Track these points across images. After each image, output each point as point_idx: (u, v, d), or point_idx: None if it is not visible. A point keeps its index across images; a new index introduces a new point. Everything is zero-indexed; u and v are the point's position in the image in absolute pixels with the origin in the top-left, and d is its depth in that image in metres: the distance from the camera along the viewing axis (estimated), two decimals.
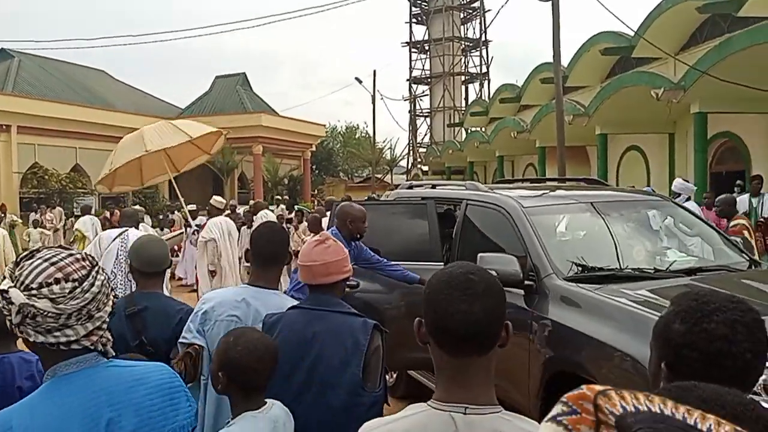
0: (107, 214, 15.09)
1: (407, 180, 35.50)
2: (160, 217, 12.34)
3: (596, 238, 4.32)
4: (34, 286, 1.31)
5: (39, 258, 1.35)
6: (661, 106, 12.75)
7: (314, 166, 37.69)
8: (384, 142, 39.33)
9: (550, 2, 12.72)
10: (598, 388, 0.77)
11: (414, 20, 42.37)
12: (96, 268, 1.39)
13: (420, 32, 42.72)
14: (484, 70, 41.86)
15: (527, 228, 3.87)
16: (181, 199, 10.32)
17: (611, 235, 4.09)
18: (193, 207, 13.94)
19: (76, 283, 1.34)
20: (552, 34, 12.90)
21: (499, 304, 1.27)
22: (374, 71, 31.88)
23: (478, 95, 40.27)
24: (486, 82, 41.70)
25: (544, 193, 4.95)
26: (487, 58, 41.69)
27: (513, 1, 44.09)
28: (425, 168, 35.19)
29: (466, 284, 1.26)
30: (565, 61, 16.91)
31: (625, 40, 16.27)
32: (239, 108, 30.05)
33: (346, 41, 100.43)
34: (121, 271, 5.34)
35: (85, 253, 1.42)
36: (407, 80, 42.83)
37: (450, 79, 40.21)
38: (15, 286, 1.32)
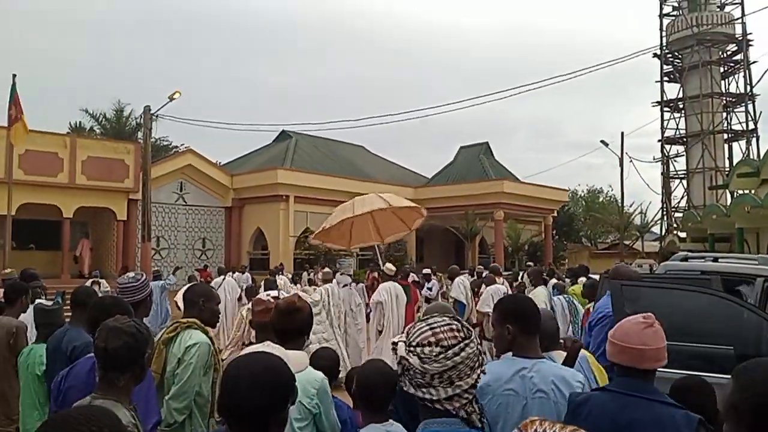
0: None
1: (661, 248, 32.81)
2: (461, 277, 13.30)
3: None
4: (413, 343, 1.56)
5: (425, 322, 1.61)
6: None
7: (554, 232, 36.83)
8: (631, 206, 36.96)
9: None
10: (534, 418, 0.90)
11: (666, 78, 39.93)
12: (467, 341, 1.56)
13: (672, 90, 40.10)
14: (751, 126, 37.51)
15: None
16: (381, 263, 11.13)
17: None
18: (427, 271, 14.80)
19: (443, 349, 1.53)
20: None
21: None
22: (622, 133, 30.88)
23: (745, 154, 36.07)
24: (754, 139, 37.26)
25: None
26: (755, 113, 37.36)
27: None
28: (682, 234, 32.18)
29: None
30: None
31: None
32: (482, 176, 31.00)
33: (589, 103, 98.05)
34: None
35: (463, 325, 1.61)
36: (659, 141, 40.11)
37: (710, 138, 36.74)
38: (405, 341, 1.60)
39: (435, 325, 1.58)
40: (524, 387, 2.44)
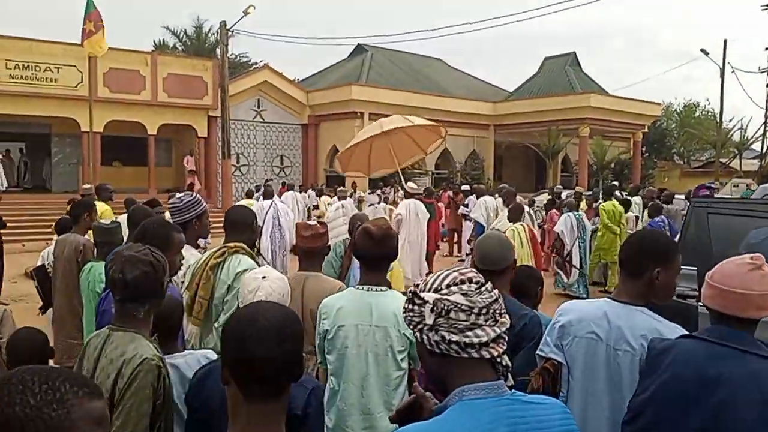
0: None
1: (761, 167, 30.46)
2: (485, 197, 13.34)
3: None
4: (442, 287, 1.37)
5: (440, 271, 1.44)
6: None
7: (644, 149, 34.79)
8: (730, 121, 34.17)
9: None
10: None
11: None
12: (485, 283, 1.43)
13: None
14: None
15: None
16: (404, 184, 11.36)
17: None
18: (466, 187, 16.02)
19: (478, 285, 1.38)
20: None
21: None
22: (725, 41, 28.15)
23: None
24: None
25: None
26: None
27: None
28: None
29: None
30: None
31: None
32: (567, 89, 29.25)
33: (687, 8, 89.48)
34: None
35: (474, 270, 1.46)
36: (766, 48, 36.41)
37: None
38: (426, 289, 1.40)
39: (454, 269, 1.43)
40: (610, 335, 2.20)
